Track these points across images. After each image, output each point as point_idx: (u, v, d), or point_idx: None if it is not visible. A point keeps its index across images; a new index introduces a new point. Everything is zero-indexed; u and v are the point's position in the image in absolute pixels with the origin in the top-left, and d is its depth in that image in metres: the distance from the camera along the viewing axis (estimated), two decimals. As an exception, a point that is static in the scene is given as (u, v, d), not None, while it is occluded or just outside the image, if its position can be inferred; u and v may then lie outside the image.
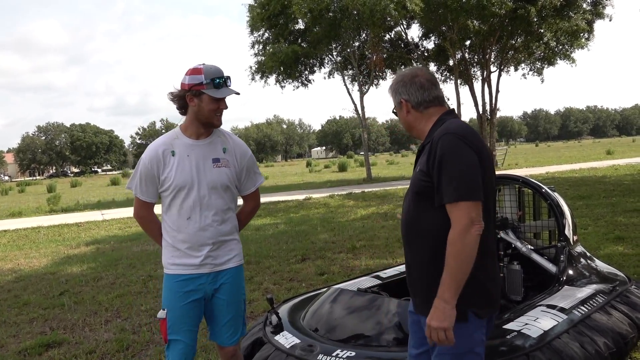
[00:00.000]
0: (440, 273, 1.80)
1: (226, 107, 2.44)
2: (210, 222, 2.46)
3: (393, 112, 2.11)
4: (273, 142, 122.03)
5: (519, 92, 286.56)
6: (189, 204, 2.42)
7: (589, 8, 22.97)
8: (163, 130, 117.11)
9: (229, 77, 2.42)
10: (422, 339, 1.98)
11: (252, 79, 24.47)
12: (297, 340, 2.84)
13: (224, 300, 2.54)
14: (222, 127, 2.61)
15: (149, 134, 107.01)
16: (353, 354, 2.59)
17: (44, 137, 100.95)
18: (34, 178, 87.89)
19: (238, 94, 2.43)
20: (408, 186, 2.05)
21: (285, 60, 21.48)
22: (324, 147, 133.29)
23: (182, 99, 2.42)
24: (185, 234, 2.44)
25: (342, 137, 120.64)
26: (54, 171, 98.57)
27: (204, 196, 2.43)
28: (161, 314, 2.48)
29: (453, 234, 1.75)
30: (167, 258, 2.50)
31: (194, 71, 2.38)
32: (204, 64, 2.39)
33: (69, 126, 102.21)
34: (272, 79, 24.31)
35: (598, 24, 24.72)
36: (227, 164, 2.51)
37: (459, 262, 1.74)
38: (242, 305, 2.63)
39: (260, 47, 23.90)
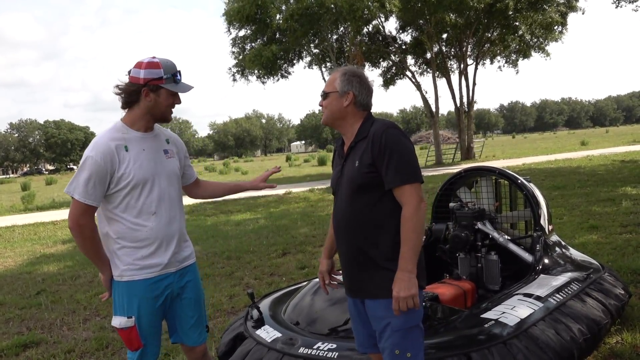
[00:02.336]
0: (398, 257, 2.00)
1: (180, 102, 2.36)
2: (174, 215, 2.38)
3: (324, 94, 2.17)
4: (252, 136, 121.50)
5: (496, 85, 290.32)
6: (153, 198, 2.30)
7: (562, 1, 23.32)
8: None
9: (181, 72, 2.33)
10: (369, 327, 2.17)
11: (234, 79, 24.42)
12: (279, 334, 2.84)
13: (191, 299, 2.46)
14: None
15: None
16: (334, 346, 2.61)
17: (16, 134, 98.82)
18: (7, 176, 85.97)
19: (192, 87, 2.37)
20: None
21: (266, 63, 21.52)
22: (303, 142, 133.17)
23: (135, 93, 2.26)
24: (152, 231, 2.29)
25: (321, 132, 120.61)
26: (28, 169, 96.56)
27: (165, 188, 2.34)
28: (126, 322, 2.29)
29: (409, 211, 1.98)
30: (129, 264, 2.29)
31: (152, 65, 2.25)
32: (154, 57, 2.28)
33: (42, 123, 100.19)
34: (252, 76, 24.30)
35: (571, 17, 25.21)
36: (173, 154, 2.45)
37: (416, 234, 1.98)
38: (204, 301, 2.58)
39: (239, 47, 23.82)
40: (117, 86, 2.30)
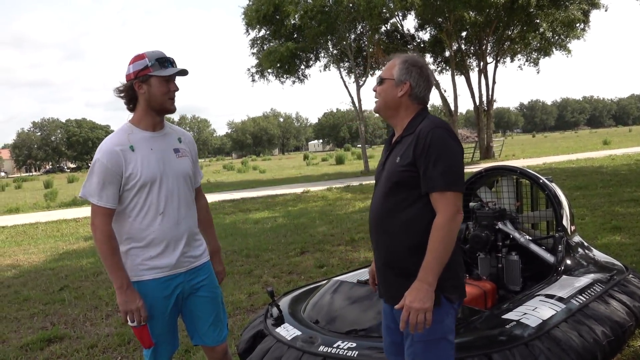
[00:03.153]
0: (421, 262, 1.86)
1: (177, 89, 2.31)
2: (184, 215, 2.36)
3: (380, 79, 2.05)
4: (270, 135, 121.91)
5: (516, 83, 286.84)
6: (161, 198, 2.29)
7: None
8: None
9: (173, 60, 2.30)
10: (395, 329, 2.04)
11: (253, 80, 24.53)
12: (298, 332, 2.85)
13: (207, 298, 2.46)
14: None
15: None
16: (354, 344, 2.61)
17: (39, 133, 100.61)
18: (31, 174, 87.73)
19: (186, 72, 2.30)
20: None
21: (282, 60, 21.55)
22: (321, 140, 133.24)
23: (130, 89, 2.27)
24: (160, 231, 2.29)
25: (339, 130, 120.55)
26: (51, 167, 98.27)
27: (173, 188, 2.32)
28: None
29: (441, 220, 1.84)
30: (137, 264, 2.30)
31: (137, 58, 2.26)
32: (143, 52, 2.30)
33: (64, 122, 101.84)
34: (271, 76, 24.42)
35: (594, 14, 24.83)
36: (186, 153, 2.43)
37: (444, 246, 1.83)
38: (222, 299, 2.56)
39: (257, 47, 23.95)
40: (117, 89, 2.32)
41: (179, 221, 2.34)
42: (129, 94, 2.28)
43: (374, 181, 2.16)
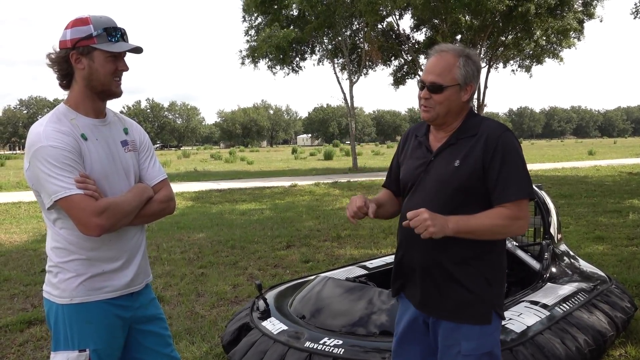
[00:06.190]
0: (481, 274, 1.80)
1: (127, 69, 1.85)
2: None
3: (437, 87, 1.79)
4: (259, 127, 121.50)
5: (506, 89, 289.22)
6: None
7: (580, 9, 23.19)
8: (148, 110, 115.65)
9: (125, 31, 1.84)
10: (423, 341, 1.96)
11: (242, 63, 24.31)
12: (285, 327, 2.85)
13: (157, 316, 2.03)
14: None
15: (134, 112, 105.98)
16: (340, 342, 2.62)
17: (25, 111, 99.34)
18: (14, 152, 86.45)
19: (140, 49, 1.85)
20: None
21: (279, 45, 21.37)
22: (309, 135, 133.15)
23: (64, 62, 1.79)
24: (118, 244, 1.85)
25: (328, 126, 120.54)
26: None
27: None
28: (76, 358, 1.79)
29: (508, 214, 1.72)
30: (80, 281, 1.80)
31: (79, 22, 1.77)
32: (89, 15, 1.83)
33: (52, 101, 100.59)
34: (262, 63, 24.21)
35: (587, 25, 24.90)
36: (134, 147, 1.98)
37: (490, 229, 1.73)
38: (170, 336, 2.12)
39: (253, 33, 23.74)
40: (49, 56, 1.82)
41: (135, 230, 1.93)
42: (63, 67, 1.80)
43: (404, 185, 1.96)
